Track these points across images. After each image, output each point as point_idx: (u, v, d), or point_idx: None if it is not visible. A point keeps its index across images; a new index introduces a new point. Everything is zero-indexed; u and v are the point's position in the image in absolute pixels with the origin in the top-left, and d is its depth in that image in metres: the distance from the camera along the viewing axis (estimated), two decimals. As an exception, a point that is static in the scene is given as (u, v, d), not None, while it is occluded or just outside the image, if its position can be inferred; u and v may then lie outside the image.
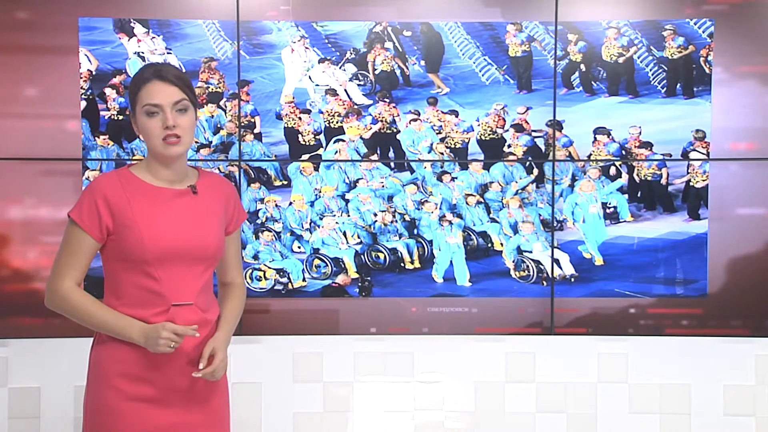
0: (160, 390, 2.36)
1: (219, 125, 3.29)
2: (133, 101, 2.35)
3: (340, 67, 3.30)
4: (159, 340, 2.26)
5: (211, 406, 2.44)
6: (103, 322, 2.32)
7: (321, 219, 3.32)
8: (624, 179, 3.31)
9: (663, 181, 3.30)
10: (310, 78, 3.30)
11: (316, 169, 3.31)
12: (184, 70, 3.18)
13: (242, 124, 3.28)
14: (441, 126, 3.30)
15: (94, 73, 3.24)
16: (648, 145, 3.29)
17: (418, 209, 3.33)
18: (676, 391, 3.36)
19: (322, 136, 3.31)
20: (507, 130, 3.30)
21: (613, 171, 3.31)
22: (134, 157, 3.25)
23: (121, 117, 3.26)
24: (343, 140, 3.31)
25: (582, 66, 3.29)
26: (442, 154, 3.32)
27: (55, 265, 2.35)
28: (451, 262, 3.33)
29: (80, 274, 2.35)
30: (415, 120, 3.30)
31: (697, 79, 3.26)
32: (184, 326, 2.29)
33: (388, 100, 3.30)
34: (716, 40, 3.24)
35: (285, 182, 3.32)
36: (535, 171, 3.31)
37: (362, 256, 3.34)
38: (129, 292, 2.35)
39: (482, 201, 3.33)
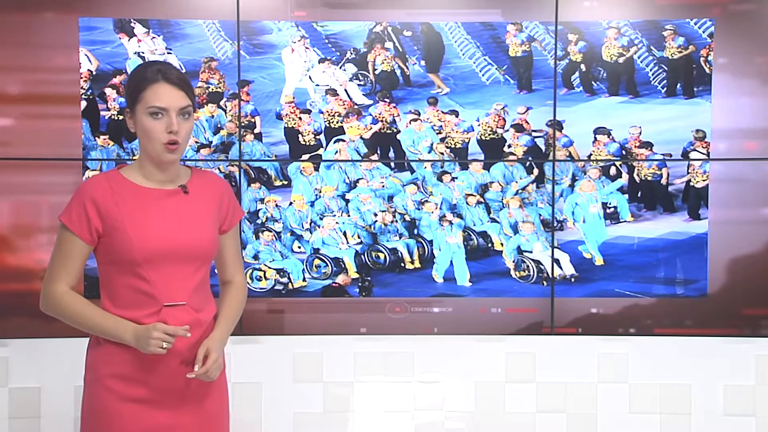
0: (154, 391, 2.35)
1: (219, 125, 3.29)
2: (135, 99, 2.32)
3: (340, 67, 3.30)
4: (150, 340, 2.25)
5: (207, 408, 2.43)
6: (96, 324, 2.32)
7: (321, 219, 3.32)
8: (624, 179, 3.30)
9: (663, 181, 3.30)
10: (310, 78, 3.30)
11: (317, 169, 3.31)
12: (184, 70, 3.18)
13: (242, 124, 3.28)
14: (441, 126, 3.30)
15: (94, 73, 3.24)
16: (648, 145, 3.28)
17: (419, 209, 3.33)
18: (676, 391, 3.36)
19: (322, 136, 3.31)
20: (507, 130, 3.30)
21: (613, 171, 3.31)
22: (134, 158, 3.25)
23: (121, 117, 3.25)
24: (344, 140, 3.31)
25: (582, 66, 3.28)
26: (442, 154, 3.31)
27: (48, 269, 2.36)
28: (451, 262, 3.32)
29: (73, 277, 2.35)
30: (415, 120, 3.30)
31: (697, 79, 3.26)
32: (174, 327, 2.28)
33: (388, 100, 3.30)
34: (716, 40, 3.24)
35: (285, 182, 3.32)
36: (536, 171, 3.31)
37: (362, 256, 3.33)
38: (121, 294, 2.34)
39: (482, 201, 3.32)
